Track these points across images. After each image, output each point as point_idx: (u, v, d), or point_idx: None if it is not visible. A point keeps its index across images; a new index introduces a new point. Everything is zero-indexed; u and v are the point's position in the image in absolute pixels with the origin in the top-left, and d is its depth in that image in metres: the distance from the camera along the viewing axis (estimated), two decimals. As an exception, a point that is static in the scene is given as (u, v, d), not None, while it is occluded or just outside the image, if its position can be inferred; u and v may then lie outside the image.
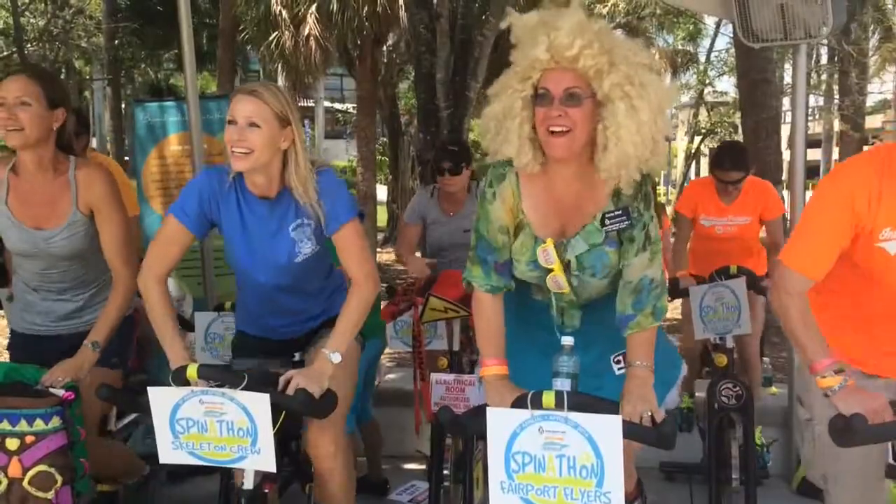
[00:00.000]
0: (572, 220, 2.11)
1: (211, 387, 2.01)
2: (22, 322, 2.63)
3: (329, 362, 2.22)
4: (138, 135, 5.16)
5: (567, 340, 1.96)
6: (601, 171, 2.01)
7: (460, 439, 3.71)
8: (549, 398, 1.79)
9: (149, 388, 1.99)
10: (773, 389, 4.41)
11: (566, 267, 2.10)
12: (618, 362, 2.20)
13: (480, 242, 2.16)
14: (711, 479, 3.47)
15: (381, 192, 17.25)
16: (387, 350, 8.64)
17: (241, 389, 1.98)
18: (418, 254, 4.15)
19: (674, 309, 3.82)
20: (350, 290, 2.31)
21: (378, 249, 11.75)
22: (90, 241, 2.52)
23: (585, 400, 1.82)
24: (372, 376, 4.01)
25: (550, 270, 2.09)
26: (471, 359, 3.78)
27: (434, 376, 3.51)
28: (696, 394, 4.16)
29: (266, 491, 2.23)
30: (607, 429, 1.74)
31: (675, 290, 3.60)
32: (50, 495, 2.05)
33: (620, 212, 2.07)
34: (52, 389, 2.12)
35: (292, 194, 2.29)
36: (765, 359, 4.11)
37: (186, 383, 2.02)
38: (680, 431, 4.18)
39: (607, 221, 2.07)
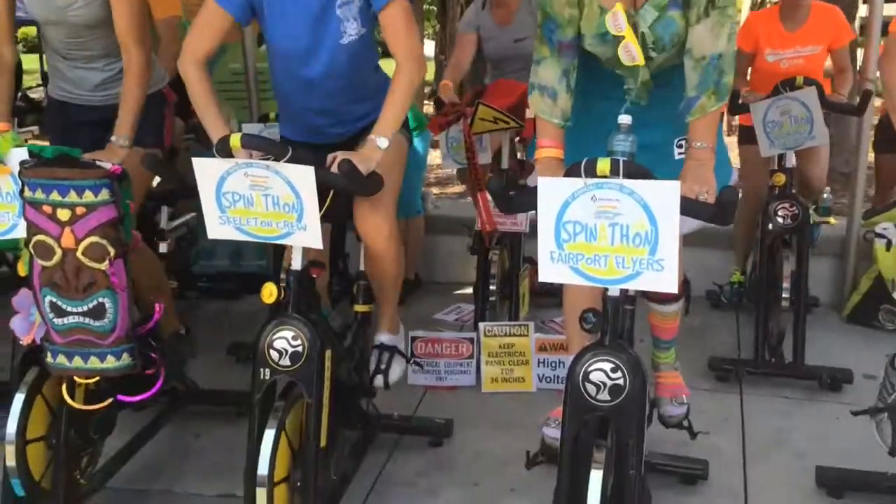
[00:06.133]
0: None
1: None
2: (56, 89, 2.61)
3: (377, 147, 2.17)
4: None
5: (624, 119, 1.86)
6: None
7: (507, 256, 3.73)
8: (604, 165, 1.71)
9: (193, 159, 1.97)
10: (832, 220, 4.27)
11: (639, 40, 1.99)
12: (680, 146, 2.11)
13: (546, 21, 2.07)
14: (761, 299, 3.42)
15: (429, 48, 16.74)
16: (433, 177, 8.64)
17: (286, 162, 1.95)
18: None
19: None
20: (395, 72, 2.21)
21: (426, 102, 11.55)
22: (110, 11, 2.42)
23: (641, 170, 1.75)
24: (423, 169, 4.05)
25: (621, 40, 1.97)
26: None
27: (483, 194, 3.48)
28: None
29: (314, 276, 2.23)
30: (664, 195, 1.67)
31: (735, 105, 3.44)
32: (104, 266, 2.07)
33: None
34: (98, 162, 2.12)
35: None
36: (826, 187, 3.96)
37: (230, 155, 2.00)
38: (729, 302, 4.04)
39: None
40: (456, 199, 6.92)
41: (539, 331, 3.43)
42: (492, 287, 3.57)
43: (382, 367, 2.56)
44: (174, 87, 2.74)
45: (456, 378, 3.34)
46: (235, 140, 1.97)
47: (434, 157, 5.58)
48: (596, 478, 1.79)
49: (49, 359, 2.20)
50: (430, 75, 16.17)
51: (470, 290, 4.04)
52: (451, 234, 4.54)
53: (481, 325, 3.35)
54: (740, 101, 3.47)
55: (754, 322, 3.48)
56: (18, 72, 4.58)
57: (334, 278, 3.92)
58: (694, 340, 3.59)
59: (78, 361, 2.19)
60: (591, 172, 1.72)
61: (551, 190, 1.76)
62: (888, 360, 2.33)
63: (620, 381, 1.82)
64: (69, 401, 2.23)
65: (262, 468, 1.99)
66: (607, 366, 1.83)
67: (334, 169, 2.05)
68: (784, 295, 3.28)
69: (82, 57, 2.54)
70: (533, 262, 3.79)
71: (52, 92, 2.64)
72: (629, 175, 1.71)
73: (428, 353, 3.33)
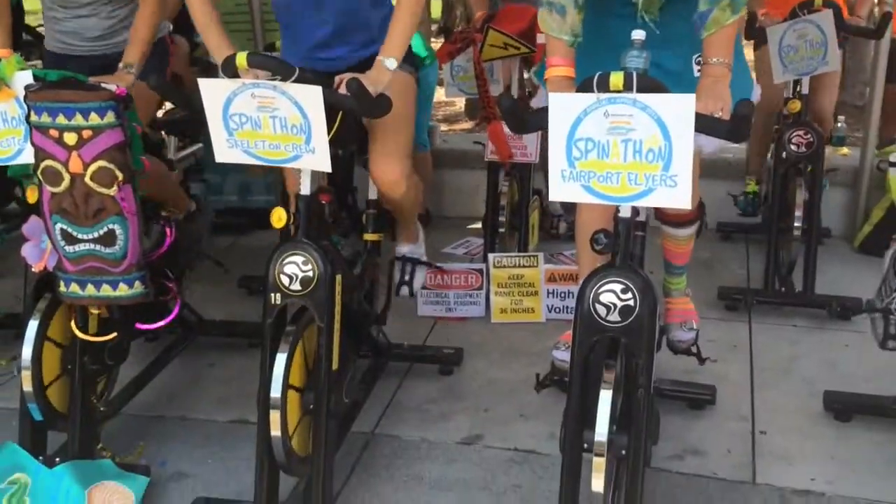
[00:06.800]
0: None
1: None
2: (54, 42, 2.56)
3: (385, 69, 2.13)
4: None
5: (638, 35, 1.81)
6: None
7: (517, 188, 3.70)
8: (616, 78, 1.67)
9: (199, 80, 1.94)
10: (845, 150, 4.22)
11: None
12: (699, 63, 2.06)
13: None
14: (773, 229, 3.40)
15: (436, -17, 16.36)
16: (440, 114, 8.51)
17: (293, 82, 1.91)
18: None
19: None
20: None
21: (433, 39, 11.35)
22: None
23: (655, 84, 1.70)
24: (430, 103, 4.00)
25: None
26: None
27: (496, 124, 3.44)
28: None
29: (323, 202, 2.22)
30: (678, 109, 1.64)
31: (751, 30, 3.36)
32: (113, 191, 2.06)
33: None
34: (103, 85, 2.09)
35: None
36: (840, 116, 3.89)
37: (236, 75, 1.96)
38: (744, 216, 4.00)
39: None
40: (464, 135, 6.85)
41: (548, 262, 3.43)
42: (501, 218, 3.55)
43: (406, 277, 2.61)
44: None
45: (466, 309, 3.35)
46: (242, 59, 1.94)
47: (441, 93, 5.52)
48: (605, 398, 1.79)
49: (62, 288, 2.20)
50: (437, 12, 15.88)
51: (479, 225, 4.03)
52: (459, 168, 4.52)
53: (491, 256, 3.35)
54: (757, 25, 3.39)
55: (764, 253, 3.47)
56: (21, 11, 4.53)
57: (343, 214, 3.90)
58: (704, 271, 3.59)
59: (91, 290, 2.20)
60: (604, 87, 1.68)
61: (563, 106, 1.72)
62: (891, 258, 2.28)
63: (631, 302, 1.81)
64: (78, 333, 2.24)
65: (275, 390, 2.01)
66: (618, 287, 1.82)
67: (343, 90, 2.02)
68: (796, 224, 3.25)
69: (83, 3, 2.47)
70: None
71: (48, 45, 2.58)
72: (643, 89, 1.67)
73: (437, 285, 3.34)
